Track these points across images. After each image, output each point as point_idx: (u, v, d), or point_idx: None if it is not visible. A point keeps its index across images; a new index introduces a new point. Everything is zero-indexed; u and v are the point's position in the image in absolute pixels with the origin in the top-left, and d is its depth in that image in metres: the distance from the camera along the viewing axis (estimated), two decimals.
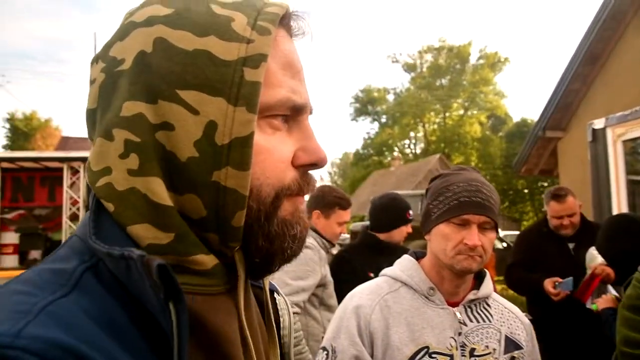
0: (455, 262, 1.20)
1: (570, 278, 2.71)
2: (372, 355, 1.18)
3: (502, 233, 15.66)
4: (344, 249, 2.97)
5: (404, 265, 1.33)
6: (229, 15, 0.47)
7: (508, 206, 27.98)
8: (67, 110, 70.04)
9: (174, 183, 0.46)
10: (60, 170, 10.38)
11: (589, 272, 2.68)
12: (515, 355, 1.24)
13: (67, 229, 10.25)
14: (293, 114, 0.50)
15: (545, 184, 25.63)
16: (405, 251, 1.45)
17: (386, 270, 1.34)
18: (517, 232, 17.37)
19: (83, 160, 10.28)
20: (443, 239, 1.22)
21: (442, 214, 1.22)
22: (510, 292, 3.76)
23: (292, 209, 0.51)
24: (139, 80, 0.45)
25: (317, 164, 0.51)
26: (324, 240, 2.36)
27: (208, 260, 0.47)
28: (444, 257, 1.22)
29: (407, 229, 2.75)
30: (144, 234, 0.45)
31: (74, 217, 10.41)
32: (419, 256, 1.35)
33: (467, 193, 1.20)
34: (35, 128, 31.76)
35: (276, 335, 0.59)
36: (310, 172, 0.52)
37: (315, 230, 2.37)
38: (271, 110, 0.48)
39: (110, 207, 0.46)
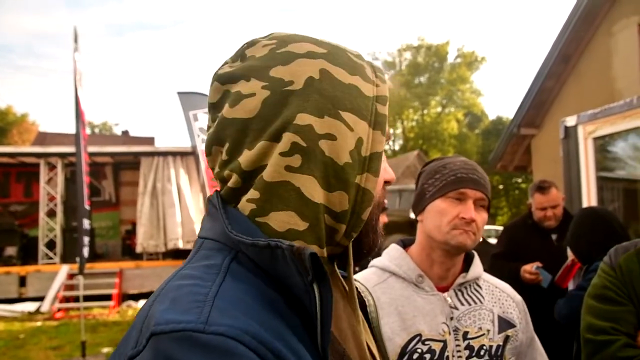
0: (450, 238, 1.20)
1: (550, 276, 2.81)
2: None
3: None
4: None
5: (391, 254, 1.32)
6: (362, 64, 0.62)
7: None
8: (45, 106, 68.11)
9: (329, 182, 0.57)
10: (37, 165, 10.14)
11: (569, 259, 2.80)
12: (510, 334, 1.25)
13: (44, 225, 10.03)
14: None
15: (520, 180, 26.20)
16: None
17: (375, 261, 1.34)
18: (492, 227, 17.64)
19: (60, 155, 10.08)
20: (438, 214, 1.21)
21: (438, 189, 1.22)
22: None
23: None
24: (310, 98, 0.57)
25: (390, 182, 0.67)
26: None
27: (318, 252, 0.58)
28: (438, 234, 1.21)
29: (382, 217, 2.81)
30: (287, 220, 0.56)
31: (51, 213, 10.17)
32: (406, 244, 1.35)
33: (464, 170, 1.22)
34: (10, 123, 30.94)
35: (360, 313, 0.69)
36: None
37: None
38: (387, 138, 0.63)
39: (254, 194, 0.57)
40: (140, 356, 0.46)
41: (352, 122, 0.58)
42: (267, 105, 0.57)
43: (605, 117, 4.04)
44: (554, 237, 3.11)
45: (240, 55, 0.63)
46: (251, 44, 0.63)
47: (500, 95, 59.37)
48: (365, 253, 0.65)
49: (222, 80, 0.61)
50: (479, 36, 61.05)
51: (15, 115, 32.31)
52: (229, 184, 0.59)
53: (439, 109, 32.47)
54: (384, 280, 1.27)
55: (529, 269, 2.90)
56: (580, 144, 4.29)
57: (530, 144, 9.01)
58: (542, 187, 3.06)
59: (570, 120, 4.37)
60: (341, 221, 0.59)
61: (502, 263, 3.17)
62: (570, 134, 4.38)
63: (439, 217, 1.22)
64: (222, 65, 0.64)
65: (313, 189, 0.57)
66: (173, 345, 0.44)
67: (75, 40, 6.24)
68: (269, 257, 0.53)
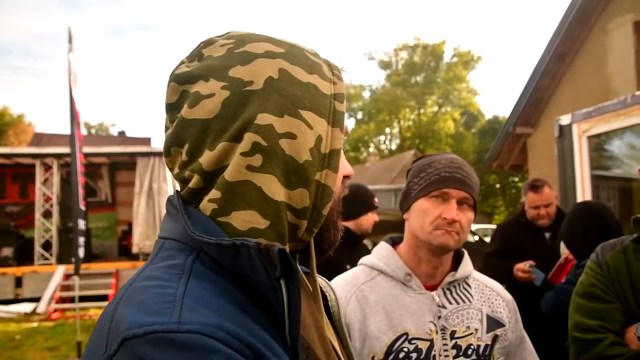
0: (432, 238, 1.19)
1: (543, 274, 2.82)
2: None
3: (474, 227, 15.92)
4: None
5: (380, 252, 1.32)
6: (319, 62, 0.64)
7: (480, 201, 28.55)
8: (41, 106, 68.09)
9: (289, 180, 0.59)
10: (33, 166, 10.11)
11: (562, 257, 2.81)
12: (498, 333, 1.24)
13: (40, 226, 9.99)
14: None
15: (516, 179, 26.24)
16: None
17: (364, 259, 1.34)
18: (489, 226, 17.69)
19: (56, 156, 10.02)
20: (422, 213, 1.21)
21: (422, 189, 1.22)
22: None
23: None
24: (270, 98, 0.58)
25: (350, 176, 0.69)
26: None
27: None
28: (421, 233, 1.21)
29: (374, 216, 2.80)
30: (249, 219, 0.57)
31: (47, 214, 10.13)
32: (396, 242, 1.35)
33: (448, 169, 1.21)
34: (7, 124, 30.92)
35: (322, 308, 0.70)
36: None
37: None
38: (344, 134, 0.65)
39: (215, 194, 0.57)
40: None
41: (311, 121, 0.60)
42: (227, 105, 0.57)
43: (599, 115, 4.05)
44: (547, 235, 3.12)
45: (197, 54, 0.62)
46: (208, 43, 0.63)
47: (496, 94, 59.54)
48: (326, 248, 0.67)
49: (180, 80, 0.60)
50: (475, 35, 61.24)
51: (12, 116, 32.28)
52: (190, 184, 0.59)
53: (436, 109, 32.52)
54: (372, 278, 1.27)
55: (522, 268, 2.90)
56: (575, 143, 4.29)
57: (526, 142, 9.03)
58: (535, 186, 3.06)
59: (565, 119, 4.37)
60: (302, 217, 0.60)
61: (495, 261, 3.17)
62: (564, 132, 4.38)
63: (422, 216, 1.21)
64: (179, 64, 0.63)
65: (274, 188, 0.58)
66: (149, 348, 0.44)
67: (70, 41, 6.21)
68: (232, 257, 0.53)
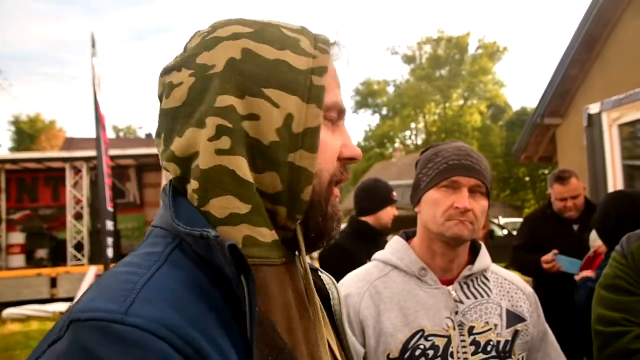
0: (445, 229, 1.15)
1: (579, 262, 2.71)
2: (364, 345, 1.16)
3: (502, 220, 15.62)
4: (338, 238, 3.00)
5: (393, 247, 1.28)
6: (297, 37, 0.60)
7: (510, 194, 28.00)
8: (71, 112, 70.34)
9: (255, 163, 0.56)
10: (63, 170, 10.43)
11: (591, 251, 2.71)
12: (519, 328, 1.20)
13: (71, 228, 10.30)
14: (338, 116, 0.63)
15: (546, 171, 25.62)
16: None
17: (377, 254, 1.31)
18: (518, 219, 17.43)
19: (85, 159, 10.32)
20: (433, 204, 1.17)
21: (431, 179, 1.18)
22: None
23: (335, 197, 0.63)
24: (231, 80, 0.56)
25: (355, 159, 0.64)
26: None
27: (269, 235, 0.57)
28: (433, 225, 1.17)
29: (393, 210, 2.78)
30: (226, 204, 0.55)
31: (77, 216, 10.44)
32: (409, 236, 1.31)
33: (456, 157, 1.17)
34: (39, 130, 32.16)
35: (317, 305, 0.66)
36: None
37: None
38: (328, 110, 0.60)
39: (194, 184, 0.56)
40: (60, 342, 0.45)
41: (277, 99, 0.56)
42: (192, 91, 0.57)
43: (630, 102, 3.89)
44: (575, 227, 3.02)
45: (184, 48, 0.63)
46: (193, 36, 0.63)
47: (524, 85, 58.24)
48: (314, 237, 0.62)
49: (162, 73, 0.62)
50: (501, 26, 60.02)
51: (44, 122, 33.43)
52: (171, 173, 0.60)
53: (461, 102, 32.07)
54: (386, 274, 1.24)
55: (547, 259, 2.82)
56: (605, 132, 4.14)
57: (554, 133, 8.78)
58: (562, 177, 2.97)
59: (594, 108, 4.22)
60: (278, 203, 0.58)
61: (522, 255, 3.10)
62: (593, 121, 4.24)
63: (433, 207, 1.17)
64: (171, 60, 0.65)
65: (246, 170, 0.56)
66: (90, 334, 0.44)
67: (93, 46, 6.36)
68: (205, 247, 0.52)
